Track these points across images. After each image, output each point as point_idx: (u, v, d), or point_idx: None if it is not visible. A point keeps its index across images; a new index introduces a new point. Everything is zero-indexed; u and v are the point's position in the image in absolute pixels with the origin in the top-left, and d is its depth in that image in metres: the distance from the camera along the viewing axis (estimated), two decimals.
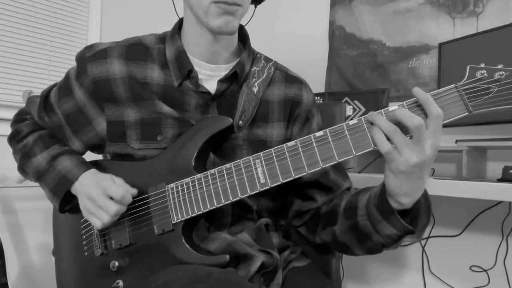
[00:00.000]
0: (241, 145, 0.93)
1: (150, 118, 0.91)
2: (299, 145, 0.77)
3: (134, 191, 0.88)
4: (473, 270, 1.68)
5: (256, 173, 0.80)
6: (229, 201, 0.82)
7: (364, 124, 0.74)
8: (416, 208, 0.80)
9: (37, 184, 0.99)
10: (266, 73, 0.98)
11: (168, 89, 0.93)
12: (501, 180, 1.28)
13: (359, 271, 2.03)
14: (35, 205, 1.92)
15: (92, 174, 0.91)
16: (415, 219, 0.81)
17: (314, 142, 0.76)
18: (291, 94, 0.99)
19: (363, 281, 2.02)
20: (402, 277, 1.89)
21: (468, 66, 0.71)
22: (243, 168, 0.81)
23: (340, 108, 1.35)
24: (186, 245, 0.84)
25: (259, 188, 0.80)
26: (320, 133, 0.76)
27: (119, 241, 0.89)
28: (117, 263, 0.89)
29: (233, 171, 0.82)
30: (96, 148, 1.00)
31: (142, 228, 0.88)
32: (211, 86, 0.93)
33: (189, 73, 0.92)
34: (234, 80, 0.95)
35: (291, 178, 0.78)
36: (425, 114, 0.71)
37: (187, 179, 0.85)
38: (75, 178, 0.91)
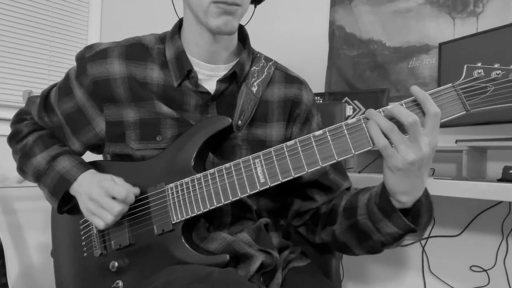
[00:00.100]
0: (240, 145, 0.93)
1: (150, 118, 0.91)
2: (298, 144, 0.77)
3: (137, 190, 0.88)
4: (473, 270, 1.68)
5: (256, 172, 0.80)
6: (229, 201, 0.82)
7: (363, 123, 0.74)
8: (417, 207, 0.80)
9: (36, 184, 0.99)
10: (266, 73, 0.98)
11: (168, 89, 0.93)
12: (501, 180, 1.28)
13: (359, 271, 2.02)
14: (35, 205, 1.92)
15: (90, 175, 0.91)
16: (416, 218, 0.81)
17: (313, 141, 0.76)
18: (291, 94, 0.99)
19: (363, 281, 2.02)
20: (402, 277, 1.89)
21: (465, 66, 0.72)
22: (242, 168, 0.81)
23: (340, 108, 1.36)
24: (186, 245, 0.84)
25: (258, 187, 0.80)
26: (319, 132, 0.76)
27: (118, 241, 0.89)
28: (116, 264, 0.89)
29: (233, 171, 0.82)
30: (96, 148, 1.00)
31: (141, 228, 0.88)
32: (211, 86, 0.94)
33: (188, 73, 0.92)
34: (234, 80, 0.95)
35: (291, 177, 0.78)
36: (423, 112, 0.71)
37: (187, 179, 0.85)
38: (74, 178, 0.91)
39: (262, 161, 0.80)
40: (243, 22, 0.98)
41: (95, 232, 0.93)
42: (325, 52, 2.24)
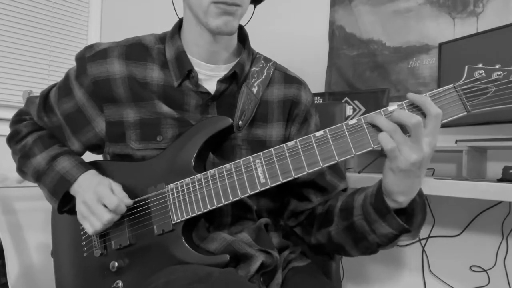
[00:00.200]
0: (241, 145, 0.93)
1: (150, 118, 0.91)
2: (299, 145, 0.78)
3: (130, 201, 0.87)
4: (473, 270, 1.68)
5: (256, 173, 0.80)
6: (229, 201, 0.82)
7: (364, 124, 0.74)
8: (411, 207, 0.80)
9: (36, 184, 0.99)
10: (265, 73, 0.98)
11: (168, 89, 0.93)
12: (501, 180, 1.28)
13: (359, 271, 2.03)
14: (35, 205, 1.92)
15: (91, 176, 0.91)
16: (410, 217, 0.81)
17: (314, 142, 0.77)
18: (290, 94, 0.99)
19: (363, 281, 2.02)
20: (402, 277, 1.89)
21: (466, 66, 0.72)
22: (243, 168, 0.81)
23: (340, 108, 1.35)
24: (186, 245, 0.84)
25: (259, 188, 0.80)
26: (320, 133, 0.76)
27: (118, 241, 0.89)
28: (116, 264, 0.89)
29: (233, 171, 0.82)
30: (95, 148, 1.00)
31: (142, 228, 0.88)
32: (211, 86, 0.94)
33: (188, 73, 0.92)
34: (234, 80, 0.95)
35: (291, 178, 0.78)
36: (422, 114, 0.72)
37: (187, 179, 0.85)
38: (74, 179, 0.91)
39: (263, 161, 0.80)
40: (243, 22, 0.98)
41: None
42: (325, 52, 2.24)
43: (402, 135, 0.71)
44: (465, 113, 0.72)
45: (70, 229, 0.99)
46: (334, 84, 2.19)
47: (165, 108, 0.91)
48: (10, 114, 1.11)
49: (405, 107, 0.73)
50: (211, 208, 0.83)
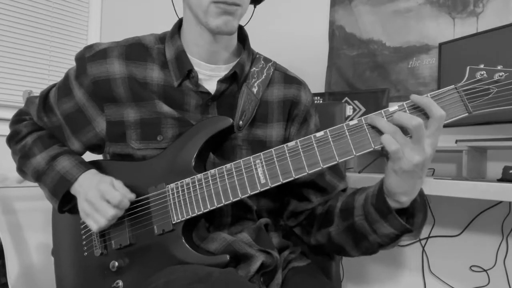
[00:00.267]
0: (241, 145, 0.93)
1: (150, 118, 0.91)
2: (299, 145, 0.77)
3: (132, 195, 0.87)
4: (473, 270, 1.68)
5: (257, 173, 0.80)
6: (229, 201, 0.82)
7: (364, 125, 0.74)
8: (412, 206, 0.81)
9: (37, 184, 0.99)
10: (265, 74, 0.98)
11: (168, 89, 0.93)
12: (501, 180, 1.28)
13: (359, 271, 2.03)
14: (35, 205, 1.92)
15: (91, 175, 0.91)
16: (411, 217, 0.82)
17: (314, 143, 0.76)
18: (290, 95, 0.99)
19: (363, 281, 2.02)
20: (402, 277, 1.89)
21: (468, 67, 0.72)
22: (243, 168, 0.81)
23: (340, 108, 1.35)
24: (186, 245, 0.84)
25: (259, 188, 0.80)
26: (321, 133, 0.76)
27: (119, 241, 0.89)
28: (117, 263, 0.89)
29: (234, 171, 0.82)
30: (96, 148, 1.00)
31: (142, 228, 0.88)
32: (211, 86, 0.94)
33: (188, 73, 0.92)
34: (234, 80, 0.95)
35: (292, 178, 0.78)
36: (424, 114, 0.72)
37: (187, 179, 0.85)
38: (74, 178, 0.91)
39: (263, 161, 0.80)
40: (243, 23, 0.98)
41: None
42: (325, 52, 2.24)
43: (402, 136, 0.71)
44: (467, 114, 0.72)
45: (70, 229, 0.99)
46: (334, 84, 2.19)
47: (165, 108, 0.91)
48: (10, 114, 1.11)
49: (406, 108, 0.73)
50: (211, 208, 0.83)
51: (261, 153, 0.80)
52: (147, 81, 0.93)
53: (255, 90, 0.95)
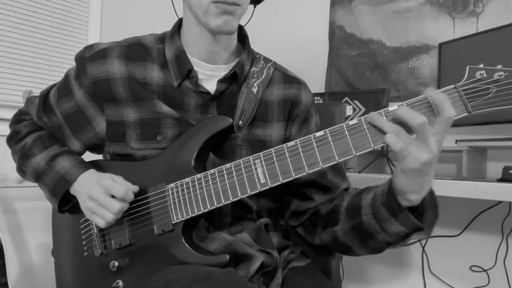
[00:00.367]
0: (241, 145, 0.93)
1: (150, 118, 0.91)
2: (299, 145, 0.77)
3: (136, 188, 0.88)
4: (473, 270, 1.68)
5: (256, 173, 0.80)
6: (229, 201, 0.82)
7: (364, 124, 0.74)
8: (422, 205, 0.79)
9: (37, 184, 0.99)
10: (265, 74, 0.98)
11: (168, 89, 0.93)
12: (501, 180, 1.28)
13: (359, 271, 2.03)
14: (35, 205, 1.92)
15: (91, 174, 0.91)
16: (421, 215, 0.80)
17: (314, 142, 0.76)
18: (290, 95, 0.99)
19: (363, 281, 2.02)
20: (402, 277, 1.89)
21: (468, 67, 0.72)
22: (243, 168, 0.81)
23: (340, 108, 1.35)
24: (186, 245, 0.84)
25: (259, 188, 0.80)
26: (320, 133, 0.76)
27: (118, 241, 0.89)
28: (116, 263, 0.89)
29: (233, 171, 0.82)
30: (95, 148, 1.00)
31: (142, 228, 0.88)
32: (211, 86, 0.94)
33: (188, 73, 0.92)
34: (234, 80, 0.95)
35: (291, 178, 0.78)
36: (430, 111, 0.71)
37: (187, 179, 0.85)
38: (74, 178, 0.91)
39: (263, 161, 0.80)
40: (242, 22, 0.98)
41: (95, 231, 0.93)
42: (325, 52, 2.24)
43: (406, 135, 0.71)
44: (466, 114, 0.72)
45: (70, 229, 0.99)
46: (334, 84, 2.19)
47: (165, 108, 0.91)
48: (10, 114, 1.11)
49: (406, 108, 0.73)
50: (211, 208, 0.83)
51: (261, 153, 0.80)
52: (147, 81, 0.93)
53: (255, 90, 0.95)
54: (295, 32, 2.34)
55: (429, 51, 1.87)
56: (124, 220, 0.89)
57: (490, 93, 0.70)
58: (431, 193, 0.80)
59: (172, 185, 0.87)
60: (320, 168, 0.76)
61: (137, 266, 0.88)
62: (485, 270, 1.64)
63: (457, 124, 1.54)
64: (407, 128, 0.71)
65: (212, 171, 0.84)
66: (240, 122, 0.91)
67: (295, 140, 0.78)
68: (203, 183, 0.84)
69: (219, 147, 0.92)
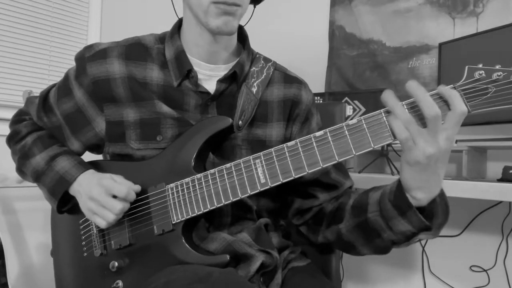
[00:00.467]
0: (240, 145, 0.93)
1: (150, 118, 0.91)
2: (299, 145, 0.77)
3: (137, 187, 0.88)
4: (473, 270, 1.68)
5: (256, 173, 0.80)
6: (229, 201, 0.82)
7: (364, 124, 0.74)
8: (431, 207, 0.78)
9: (36, 184, 0.99)
10: (265, 74, 0.98)
11: (168, 89, 0.93)
12: (501, 180, 1.28)
13: (359, 271, 2.03)
14: (35, 205, 1.92)
15: (90, 175, 0.91)
16: (430, 218, 0.79)
17: (314, 142, 0.76)
18: (290, 94, 0.99)
19: (363, 281, 2.02)
20: (402, 277, 1.89)
21: (466, 67, 0.72)
22: (243, 168, 0.81)
23: (340, 108, 1.35)
24: (186, 245, 0.84)
25: (259, 188, 0.80)
26: (320, 133, 0.76)
27: (118, 241, 0.89)
28: (116, 264, 0.89)
29: (233, 171, 0.82)
30: (95, 148, 1.00)
31: (142, 228, 0.88)
32: (211, 86, 0.94)
33: (188, 73, 0.92)
34: (234, 80, 0.95)
35: (291, 178, 0.78)
36: (446, 106, 0.70)
37: (187, 179, 0.85)
38: (73, 179, 0.91)
39: (263, 161, 0.80)
40: (242, 22, 0.98)
41: (95, 232, 0.93)
42: (325, 52, 2.24)
43: (417, 127, 0.69)
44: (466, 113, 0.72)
45: (70, 229, 0.99)
46: (334, 84, 2.20)
47: (165, 108, 0.91)
48: (10, 114, 1.11)
49: (405, 107, 0.73)
50: (211, 208, 0.83)
51: (261, 153, 0.80)
52: (147, 81, 0.93)
53: (254, 90, 0.95)
54: (295, 32, 2.34)
55: (429, 51, 1.87)
56: (124, 220, 0.89)
57: (489, 93, 0.70)
58: (442, 196, 0.79)
59: (172, 185, 0.87)
60: (320, 167, 0.76)
61: (137, 266, 0.88)
62: (485, 270, 1.64)
63: None
64: (420, 122, 0.70)
65: (212, 171, 0.84)
66: (240, 122, 0.91)
67: (295, 140, 0.78)
68: (203, 183, 0.84)
69: (219, 147, 0.92)
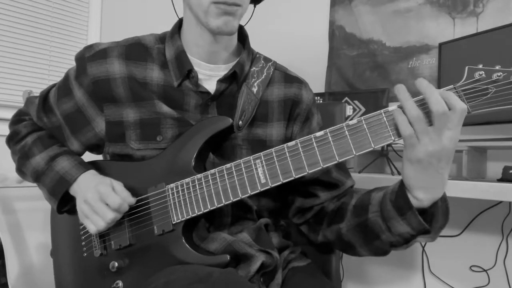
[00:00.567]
0: (241, 145, 0.93)
1: (150, 118, 0.91)
2: (299, 145, 0.77)
3: (132, 200, 0.87)
4: (473, 270, 1.68)
5: (257, 173, 0.80)
6: (230, 201, 0.82)
7: (364, 125, 0.74)
8: (432, 210, 0.78)
9: (36, 184, 0.99)
10: (265, 73, 0.98)
11: (168, 89, 0.93)
12: (501, 180, 1.28)
13: (359, 271, 2.03)
14: (35, 205, 1.92)
15: (91, 175, 0.91)
16: (430, 221, 0.79)
17: (314, 142, 0.76)
18: (291, 94, 0.99)
19: (363, 281, 2.02)
20: (402, 277, 1.89)
21: (467, 67, 0.72)
22: (243, 168, 0.81)
23: (340, 108, 1.35)
24: (186, 245, 0.84)
25: (259, 188, 0.80)
26: (321, 133, 0.76)
27: (118, 241, 0.89)
28: (116, 264, 0.89)
29: (234, 171, 0.82)
30: (95, 148, 1.00)
31: (142, 228, 0.88)
32: (211, 86, 0.94)
33: (188, 73, 0.92)
34: (234, 80, 0.95)
35: (292, 178, 0.78)
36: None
37: (187, 179, 0.85)
38: (73, 179, 0.91)
39: (263, 161, 0.80)
40: (242, 22, 0.98)
41: None
42: (325, 52, 2.24)
43: (423, 124, 0.69)
44: (466, 114, 0.72)
45: (69, 229, 0.99)
46: (334, 84, 2.19)
47: (165, 108, 0.91)
48: (10, 114, 1.11)
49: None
50: (211, 208, 0.83)
51: (261, 153, 0.80)
52: (147, 81, 0.93)
53: (254, 89, 0.95)
54: (295, 32, 2.34)
55: (429, 51, 1.87)
56: (124, 221, 0.89)
57: (489, 93, 0.70)
58: (444, 199, 0.79)
59: (172, 185, 0.87)
60: (320, 168, 0.76)
61: (137, 267, 0.88)
62: (485, 270, 1.64)
63: None
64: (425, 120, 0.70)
65: (212, 171, 0.84)
66: (240, 122, 0.91)
67: (295, 140, 0.78)
68: (203, 183, 0.84)
69: (219, 147, 0.92)
